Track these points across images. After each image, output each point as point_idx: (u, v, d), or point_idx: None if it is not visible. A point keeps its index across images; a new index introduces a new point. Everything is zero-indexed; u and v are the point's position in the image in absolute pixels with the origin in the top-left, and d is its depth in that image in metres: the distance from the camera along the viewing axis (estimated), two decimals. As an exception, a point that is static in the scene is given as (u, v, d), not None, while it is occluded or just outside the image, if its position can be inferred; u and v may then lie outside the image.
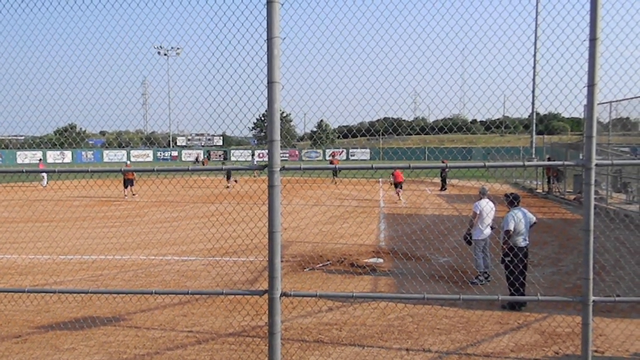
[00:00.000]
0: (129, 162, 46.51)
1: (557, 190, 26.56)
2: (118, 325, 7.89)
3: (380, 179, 35.90)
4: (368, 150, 73.48)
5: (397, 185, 24.77)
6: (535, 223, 8.87)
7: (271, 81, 4.73)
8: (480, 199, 10.13)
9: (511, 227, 8.52)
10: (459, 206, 21.99)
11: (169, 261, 12.22)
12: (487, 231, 9.90)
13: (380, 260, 12.03)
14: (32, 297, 8.93)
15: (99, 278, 10.70)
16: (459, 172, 30.03)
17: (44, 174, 29.09)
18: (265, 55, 4.78)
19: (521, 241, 8.63)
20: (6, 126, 6.04)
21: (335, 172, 31.51)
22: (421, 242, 12.64)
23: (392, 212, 21.10)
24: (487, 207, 9.92)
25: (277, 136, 4.81)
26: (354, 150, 74.47)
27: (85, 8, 5.31)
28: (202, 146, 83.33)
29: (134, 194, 26.94)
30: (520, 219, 8.63)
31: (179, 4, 5.17)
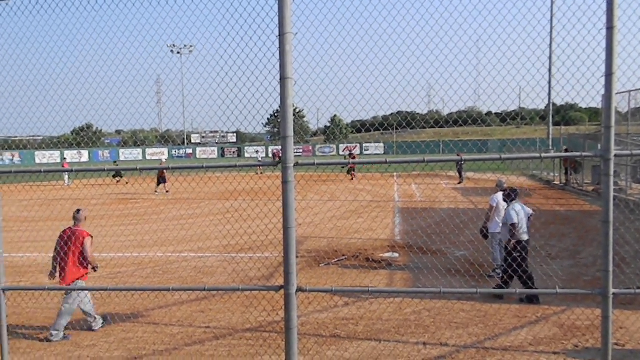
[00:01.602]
0: (163, 160, 46.86)
1: (575, 181, 26.25)
2: (137, 322, 7.97)
3: (395, 174, 35.75)
4: (382, 145, 73.21)
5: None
6: (532, 215, 8.91)
7: (284, 77, 4.73)
8: (497, 191, 10.04)
9: (516, 220, 8.52)
10: (475, 199, 21.84)
11: (186, 258, 12.32)
12: (495, 227, 9.84)
13: (396, 254, 12.00)
14: (53, 295, 9.05)
15: (117, 275, 10.82)
16: (474, 164, 29.82)
17: (66, 173, 29.46)
18: (278, 52, 4.77)
19: (524, 235, 8.64)
20: (24, 127, 6.11)
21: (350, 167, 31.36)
22: (437, 236, 12.57)
23: (408, 206, 21.03)
24: (502, 202, 9.84)
25: (291, 132, 4.80)
26: (368, 144, 74.26)
27: (99, 8, 5.35)
28: (217, 143, 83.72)
29: (167, 191, 27.38)
30: (518, 212, 8.64)
31: (190, 1, 5.17)
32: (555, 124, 37.29)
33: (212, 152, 77.91)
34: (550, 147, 33.94)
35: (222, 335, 7.29)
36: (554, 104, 36.17)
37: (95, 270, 7.81)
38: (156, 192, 27.22)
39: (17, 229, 15.08)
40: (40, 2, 5.36)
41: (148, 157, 74.81)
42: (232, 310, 8.40)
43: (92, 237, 7.79)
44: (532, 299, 8.51)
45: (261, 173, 33.01)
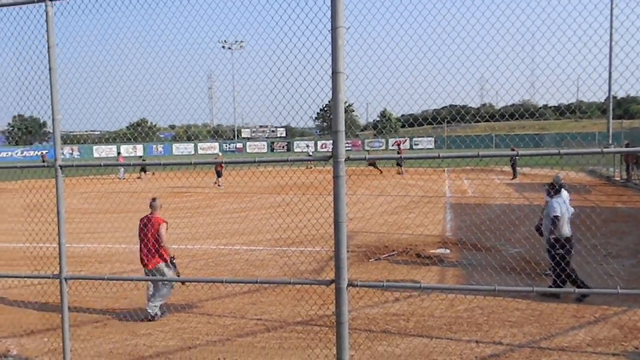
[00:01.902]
0: (220, 154, 47.96)
1: (636, 177, 25.09)
2: (191, 312, 8.18)
3: (446, 168, 35.19)
4: (432, 139, 72.15)
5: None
6: (572, 214, 8.68)
7: (336, 71, 4.71)
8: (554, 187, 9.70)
9: (558, 212, 8.31)
10: (530, 195, 21.23)
11: (238, 251, 12.53)
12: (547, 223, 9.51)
13: (447, 250, 11.82)
14: (112, 284, 9.41)
15: (172, 267, 11.11)
16: (530, 159, 28.93)
17: (121, 167, 30.46)
18: (329, 46, 4.76)
19: (567, 230, 8.43)
20: (85, 122, 6.35)
21: (400, 162, 30.97)
22: (490, 233, 12.29)
23: (459, 201, 20.65)
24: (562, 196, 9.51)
25: (342, 127, 4.79)
26: (418, 139, 73.32)
27: (155, 6, 5.49)
28: (266, 138, 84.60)
29: (219, 185, 28.04)
30: (561, 205, 8.45)
31: (242, -2, 5.22)
32: (616, 117, 35.69)
33: (261, 147, 78.85)
34: (610, 142, 32.51)
35: (273, 328, 7.39)
36: (614, 97, 34.58)
37: (172, 261, 8.15)
38: (218, 185, 28.04)
39: (78, 220, 15.71)
40: (99, 1, 5.54)
41: (200, 152, 76.43)
42: (282, 303, 8.50)
43: (167, 223, 8.20)
44: (580, 298, 8.27)
45: (311, 167, 33.14)
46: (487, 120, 6.64)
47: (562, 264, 8.06)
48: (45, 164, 5.86)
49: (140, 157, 50.25)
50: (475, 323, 7.44)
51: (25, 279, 7.34)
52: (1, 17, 5.81)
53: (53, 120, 5.61)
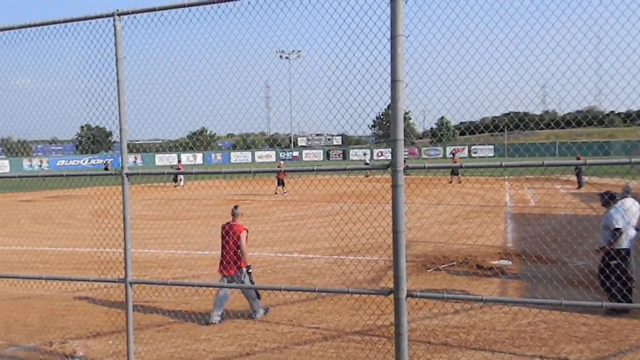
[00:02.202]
0: (282, 162, 48.70)
1: None
2: (248, 319, 8.27)
3: (506, 177, 34.20)
4: (492, 147, 70.37)
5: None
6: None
7: (395, 79, 4.68)
8: (624, 197, 9.23)
9: (621, 225, 8.00)
10: (597, 205, 20.30)
11: (294, 259, 12.60)
12: (632, 232, 9.01)
13: (509, 262, 11.45)
14: (173, 290, 9.66)
15: (230, 273, 11.28)
16: (598, 168, 27.70)
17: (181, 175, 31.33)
18: (389, 54, 4.73)
19: (627, 242, 8.12)
20: (150, 131, 6.57)
21: (455, 170, 30.25)
22: (555, 244, 11.83)
23: (521, 211, 20.02)
24: (633, 207, 9.03)
25: (401, 135, 4.74)
26: (477, 147, 71.71)
27: (218, 18, 5.61)
28: (322, 146, 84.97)
29: (284, 193, 28.38)
30: (623, 216, 8.14)
31: (299, 5, 5.26)
32: (691, 123, 33.64)
33: (317, 155, 79.26)
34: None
35: (330, 337, 7.37)
36: (689, 101, 32.67)
37: (248, 270, 8.32)
38: (284, 192, 28.39)
39: (141, 226, 16.24)
40: (158, 15, 5.73)
41: (257, 160, 77.63)
42: (339, 312, 8.47)
43: (247, 231, 8.46)
44: (618, 312, 7.93)
45: (370, 176, 33.03)
46: (551, 128, 6.41)
47: (620, 278, 7.67)
48: (112, 172, 6.09)
49: (172, 165, 51.13)
50: (540, 338, 7.16)
51: (92, 282, 7.63)
52: (72, 32, 6.09)
53: (120, 130, 5.82)
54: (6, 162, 62.20)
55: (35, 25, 6.06)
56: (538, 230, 15.00)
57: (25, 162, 62.88)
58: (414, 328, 7.53)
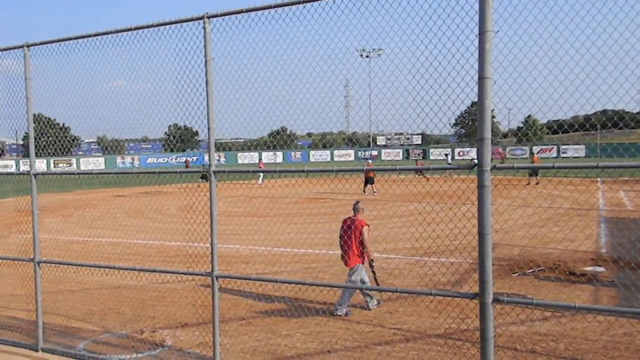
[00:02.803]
0: (370, 162, 48.84)
1: None
2: (329, 317, 8.33)
3: (598, 179, 32.30)
4: (583, 147, 66.68)
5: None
6: None
7: (482, 77, 4.55)
8: None
9: None
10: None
11: (374, 258, 12.51)
12: None
13: (601, 268, 10.79)
14: (258, 285, 9.89)
15: (309, 270, 11.42)
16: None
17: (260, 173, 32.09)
18: (476, 51, 4.60)
19: None
20: (233, 130, 6.77)
21: (534, 171, 28.65)
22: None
23: (615, 215, 18.83)
24: None
25: (488, 134, 4.60)
26: (566, 146, 68.20)
27: (296, 19, 5.68)
28: (401, 145, 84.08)
29: (374, 192, 27.83)
30: None
31: (384, 3, 5.21)
32: None
33: (396, 154, 78.51)
34: None
35: (412, 338, 7.27)
36: None
37: (371, 264, 8.65)
38: (373, 192, 27.93)
39: (225, 223, 16.80)
40: (252, 16, 5.87)
41: (336, 159, 78.05)
42: (421, 314, 8.34)
43: (369, 226, 8.71)
44: None
45: (454, 176, 32.10)
46: (652, 127, 5.97)
47: None
48: (201, 170, 6.32)
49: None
50: (637, 349, 6.69)
51: (181, 274, 7.97)
52: (164, 35, 6.38)
53: (209, 129, 6.02)
54: (101, 159, 66.42)
55: (130, 29, 6.41)
56: (638, 235, 14.02)
57: (119, 160, 66.84)
58: (500, 334, 7.27)
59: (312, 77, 5.83)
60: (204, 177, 6.17)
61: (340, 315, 8.35)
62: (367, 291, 8.50)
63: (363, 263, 8.52)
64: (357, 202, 8.95)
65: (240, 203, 25.61)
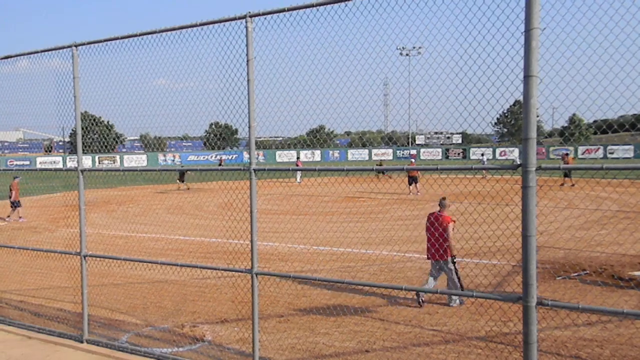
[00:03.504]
0: (413, 161, 48.46)
1: None
2: (366, 316, 8.31)
3: (647, 180, 31.08)
4: (631, 147, 64.39)
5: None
6: None
7: (528, 75, 4.46)
8: None
9: None
10: None
11: (410, 258, 12.43)
12: None
13: (651, 273, 10.41)
14: (296, 283, 9.95)
15: (347, 269, 11.41)
16: None
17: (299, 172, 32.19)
18: (522, 48, 4.51)
19: None
20: (272, 129, 6.81)
21: (567, 172, 27.43)
22: None
23: (664, 218, 18.12)
24: None
25: (534, 133, 4.51)
26: (613, 147, 65.99)
27: (338, 17, 5.67)
28: (441, 144, 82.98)
29: (417, 192, 27.41)
30: None
31: (424, 3, 5.14)
32: None
33: (436, 154, 77.53)
34: None
35: (451, 340, 7.17)
36: None
37: (453, 260, 8.79)
38: (410, 193, 27.54)
39: (263, 220, 16.95)
40: (294, 15, 5.89)
41: (374, 158, 77.67)
42: (461, 316, 8.22)
43: (454, 222, 8.92)
44: None
45: (484, 176, 31.18)
46: None
47: None
48: (242, 167, 6.39)
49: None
50: (689, 360, 6.43)
51: (221, 271, 8.08)
52: (206, 34, 6.46)
53: (249, 127, 6.07)
54: (144, 156, 67.95)
55: (174, 29, 6.52)
56: (686, 240, 13.47)
57: (160, 157, 68.25)
58: (543, 338, 7.09)
59: (352, 76, 5.81)
60: (182, 179, 6.20)
61: (454, 306, 8.68)
62: (458, 288, 8.77)
63: (446, 259, 8.71)
64: (444, 198, 9.09)
65: (279, 201, 25.80)
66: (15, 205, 21.30)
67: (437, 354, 6.72)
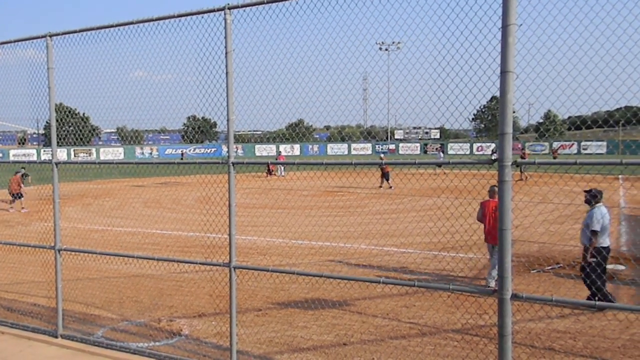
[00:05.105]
0: (382, 155, 48.52)
1: None
2: (344, 310, 8.34)
3: (620, 176, 31.78)
4: (604, 143, 65.65)
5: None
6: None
7: (504, 71, 4.51)
8: None
9: (597, 228, 7.98)
10: None
11: (389, 252, 12.52)
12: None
13: (622, 267, 10.65)
14: (274, 276, 9.93)
15: (325, 263, 11.44)
16: None
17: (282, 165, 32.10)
18: (499, 44, 4.56)
19: (607, 240, 8.10)
20: (250, 122, 6.78)
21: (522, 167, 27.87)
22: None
23: (637, 213, 18.55)
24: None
25: (509, 129, 4.57)
26: (587, 143, 67.20)
27: (310, 12, 5.65)
28: (419, 139, 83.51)
29: (390, 187, 27.57)
30: (604, 214, 8.08)
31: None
32: None
33: (414, 148, 78.02)
34: None
35: (428, 333, 7.25)
36: None
37: None
38: (380, 186, 28.00)
39: (241, 214, 16.88)
40: (272, 7, 5.85)
41: (353, 152, 77.83)
42: (436, 308, 8.31)
43: None
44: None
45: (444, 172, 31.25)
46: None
47: (598, 272, 7.83)
48: (220, 160, 6.35)
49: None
50: (658, 350, 6.60)
51: (197, 265, 8.02)
52: (184, 26, 6.39)
53: (228, 120, 6.03)
54: (120, 149, 67.08)
55: (151, 20, 6.42)
56: (656, 234, 13.80)
57: (137, 150, 67.44)
58: (517, 330, 7.22)
59: (331, 70, 5.82)
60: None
61: (491, 287, 8.65)
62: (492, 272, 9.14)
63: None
64: (495, 185, 9.09)
65: (258, 195, 25.72)
66: (15, 197, 21.90)
67: (414, 347, 6.79)
